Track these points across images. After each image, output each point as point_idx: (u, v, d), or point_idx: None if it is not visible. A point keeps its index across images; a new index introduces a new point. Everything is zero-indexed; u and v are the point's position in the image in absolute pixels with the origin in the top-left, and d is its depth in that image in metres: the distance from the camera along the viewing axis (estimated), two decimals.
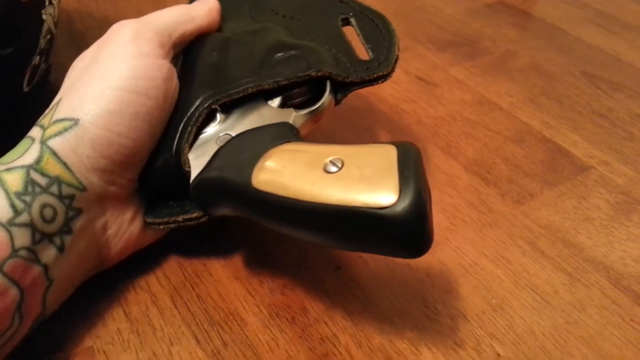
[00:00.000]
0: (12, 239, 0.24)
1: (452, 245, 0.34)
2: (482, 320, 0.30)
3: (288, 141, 0.28)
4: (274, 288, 0.31)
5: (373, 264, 0.33)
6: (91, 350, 0.28)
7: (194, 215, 0.30)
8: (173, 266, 0.32)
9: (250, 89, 0.31)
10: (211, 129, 0.31)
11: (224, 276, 0.32)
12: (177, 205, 0.31)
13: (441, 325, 0.29)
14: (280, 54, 0.33)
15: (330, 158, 0.25)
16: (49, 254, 0.26)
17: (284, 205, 0.25)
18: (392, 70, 0.33)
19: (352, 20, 0.36)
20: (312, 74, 0.31)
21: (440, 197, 0.37)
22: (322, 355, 0.28)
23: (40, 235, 0.25)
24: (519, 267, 0.32)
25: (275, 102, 0.32)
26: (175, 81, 0.31)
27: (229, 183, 0.27)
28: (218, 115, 0.31)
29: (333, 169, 0.24)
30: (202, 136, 0.30)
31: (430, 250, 0.32)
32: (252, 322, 0.30)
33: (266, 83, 0.31)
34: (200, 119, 0.30)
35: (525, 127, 0.43)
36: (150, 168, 0.30)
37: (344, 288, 0.31)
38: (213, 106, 0.31)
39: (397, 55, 0.33)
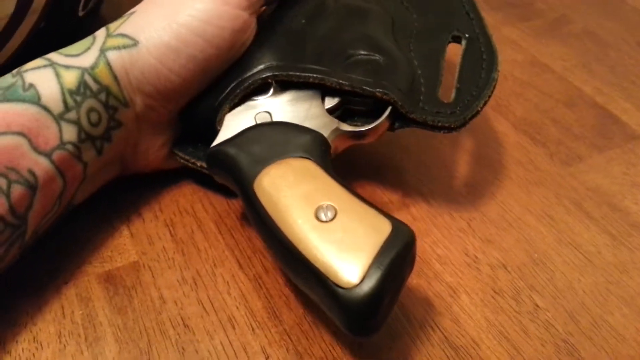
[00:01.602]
0: (61, 131, 0.26)
1: (497, 200, 0.33)
2: (523, 272, 0.30)
3: (309, 158, 0.27)
4: None
5: (415, 209, 0.33)
6: (137, 265, 0.29)
7: None
8: (218, 196, 0.33)
9: (312, 79, 0.30)
10: (259, 100, 0.30)
11: None
12: (202, 150, 0.31)
13: (481, 274, 0.29)
14: (363, 53, 0.31)
15: (327, 203, 0.24)
16: (89, 154, 0.27)
17: (266, 224, 0.25)
18: (461, 126, 0.29)
19: (463, 43, 0.32)
20: (378, 94, 0.29)
21: (488, 153, 0.36)
22: None
23: (85, 135, 0.27)
24: (563, 226, 0.32)
25: (333, 101, 0.30)
26: (247, 35, 0.30)
27: (238, 169, 0.27)
28: (272, 89, 0.30)
29: (323, 217, 0.24)
30: (247, 102, 0.30)
31: (473, 202, 0.32)
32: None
33: (330, 81, 0.30)
34: (252, 87, 0.30)
35: (577, 92, 0.42)
36: (192, 108, 0.31)
37: None
38: (269, 80, 0.30)
39: (478, 111, 0.29)
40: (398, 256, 0.23)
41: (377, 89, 0.29)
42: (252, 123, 0.29)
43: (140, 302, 0.27)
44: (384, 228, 0.24)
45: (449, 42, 0.33)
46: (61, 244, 0.30)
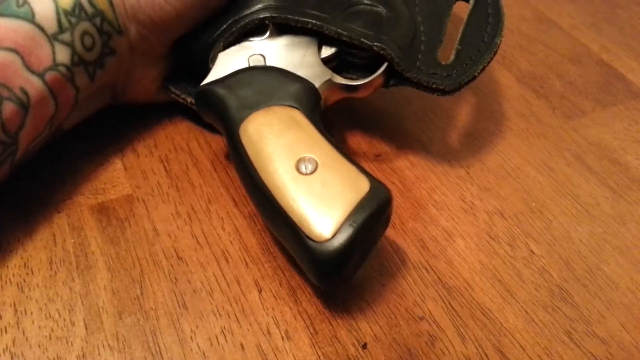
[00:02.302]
0: (54, 52, 0.25)
1: (496, 150, 0.33)
2: (519, 219, 0.29)
3: (297, 108, 0.26)
4: None
5: (413, 156, 0.32)
6: (130, 198, 0.29)
7: None
8: (214, 134, 0.32)
9: (310, 25, 0.29)
10: (254, 41, 0.29)
11: None
12: (194, 87, 0.30)
13: (477, 220, 0.29)
14: (366, 3, 0.30)
15: (309, 156, 0.24)
16: (82, 79, 0.27)
17: (247, 170, 0.25)
18: (455, 90, 0.29)
19: (471, 2, 0.31)
20: (375, 48, 0.28)
21: (490, 104, 0.36)
22: None
23: (78, 59, 0.26)
24: (563, 177, 0.32)
25: (330, 51, 0.29)
26: None
27: (225, 111, 0.26)
28: (268, 31, 0.29)
29: (303, 169, 0.24)
30: (243, 42, 0.29)
31: (473, 151, 0.32)
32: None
33: (328, 29, 0.29)
34: (249, 27, 0.29)
35: (584, 49, 0.41)
36: (186, 42, 0.30)
37: (382, 174, 0.31)
38: (267, 22, 0.29)
39: (475, 77, 0.29)
40: (372, 215, 0.23)
41: (375, 43, 0.28)
42: (245, 65, 0.28)
43: (133, 234, 0.27)
44: (362, 186, 0.24)
45: (456, 0, 0.32)
46: (53, 174, 0.29)
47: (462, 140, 0.33)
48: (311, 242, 0.23)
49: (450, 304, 0.26)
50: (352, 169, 0.24)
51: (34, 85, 0.24)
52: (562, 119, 0.35)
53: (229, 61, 0.29)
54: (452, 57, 0.29)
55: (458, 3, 0.32)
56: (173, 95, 0.31)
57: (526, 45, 0.41)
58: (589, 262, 0.28)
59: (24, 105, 0.24)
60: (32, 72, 0.24)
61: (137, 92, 0.31)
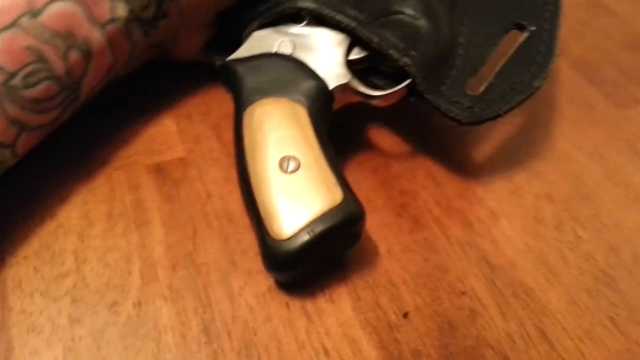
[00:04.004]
0: (113, 7, 0.26)
1: (547, 134, 0.33)
2: (568, 204, 0.29)
3: (304, 105, 0.26)
4: (360, 139, 0.32)
5: (462, 134, 0.32)
6: (184, 160, 0.30)
7: None
8: None
9: (344, 25, 0.28)
10: (289, 27, 0.29)
11: None
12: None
13: (524, 201, 0.29)
14: (408, 13, 0.29)
15: (294, 155, 0.25)
16: (137, 35, 0.28)
17: (239, 152, 0.26)
18: (472, 124, 0.27)
19: (524, 35, 0.29)
20: (400, 63, 0.27)
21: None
22: (400, 204, 0.29)
23: (134, 16, 0.27)
24: (614, 165, 0.31)
25: (361, 53, 0.29)
26: None
27: (239, 91, 0.27)
28: (305, 21, 0.29)
29: (285, 167, 0.24)
30: (278, 26, 0.29)
31: (521, 133, 0.32)
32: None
33: (361, 32, 0.28)
34: (285, 12, 0.29)
35: (639, 37, 0.40)
36: (229, 15, 0.31)
37: (429, 151, 0.31)
38: (303, 13, 0.29)
39: (498, 115, 0.27)
40: (333, 228, 0.23)
41: (403, 58, 0.27)
42: (273, 49, 0.29)
43: (187, 194, 0.28)
44: (335, 198, 0.24)
45: (511, 29, 0.30)
46: (112, 134, 0.30)
47: (511, 122, 0.33)
48: (268, 238, 0.23)
49: (493, 281, 0.26)
50: (331, 178, 0.25)
51: (95, 36, 0.26)
52: (615, 107, 0.34)
53: (259, 41, 0.29)
54: (481, 88, 0.28)
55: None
56: (211, 59, 0.32)
57: (580, 30, 0.40)
58: (636, 250, 0.27)
59: (87, 55, 0.26)
60: (94, 23, 0.26)
61: (183, 51, 0.32)
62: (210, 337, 0.23)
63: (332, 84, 0.27)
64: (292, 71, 0.27)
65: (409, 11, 0.29)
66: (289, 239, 0.23)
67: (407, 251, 0.27)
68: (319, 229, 0.23)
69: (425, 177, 0.30)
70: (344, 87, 0.28)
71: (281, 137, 0.25)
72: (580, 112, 0.34)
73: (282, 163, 0.24)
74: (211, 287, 0.25)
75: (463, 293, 0.26)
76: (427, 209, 0.29)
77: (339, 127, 0.31)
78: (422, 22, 0.29)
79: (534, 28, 0.30)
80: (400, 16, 0.29)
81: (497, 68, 0.29)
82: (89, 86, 0.27)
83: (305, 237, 0.23)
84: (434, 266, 0.26)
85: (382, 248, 0.27)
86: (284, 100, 0.26)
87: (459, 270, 0.26)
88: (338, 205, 0.24)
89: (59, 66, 0.25)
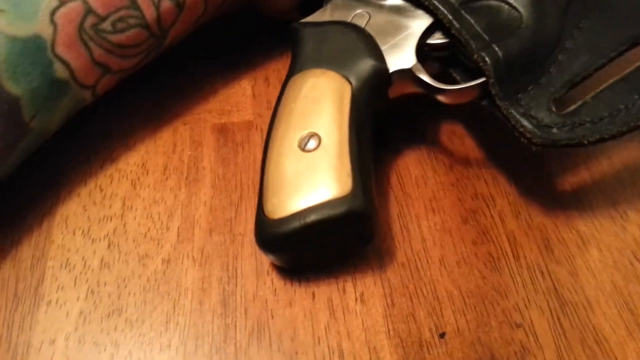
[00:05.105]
0: None
1: None
2: None
3: (351, 85, 0.24)
4: (443, 130, 0.28)
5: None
6: (251, 124, 0.29)
7: None
8: None
9: (427, 3, 0.25)
10: None
11: None
12: None
13: (626, 233, 0.24)
14: (508, 1, 0.24)
15: (318, 134, 0.22)
16: None
17: (273, 115, 0.24)
18: (542, 147, 0.23)
19: None
20: (476, 57, 0.23)
21: None
22: (469, 209, 0.25)
23: None
24: None
25: (441, 39, 0.25)
26: None
27: (296, 56, 0.26)
28: None
29: (304, 144, 0.22)
30: None
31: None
32: (406, 153, 0.27)
33: (442, 14, 0.24)
34: None
35: None
36: None
37: (519, 154, 0.27)
38: None
39: (581, 143, 0.22)
40: (328, 221, 0.21)
41: (480, 52, 0.23)
42: (348, 19, 0.26)
43: (244, 159, 0.27)
44: (343, 189, 0.21)
45: (635, 45, 0.24)
46: (187, 89, 0.30)
47: (626, 138, 0.27)
48: (261, 212, 0.22)
49: (559, 319, 0.22)
50: (347, 166, 0.22)
51: None
52: None
53: (338, 8, 0.27)
54: (571, 107, 0.23)
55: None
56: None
57: None
58: None
59: (180, 5, 0.26)
60: None
61: (275, 4, 0.31)
62: (227, 310, 0.22)
63: (393, 66, 0.24)
64: (355, 45, 0.25)
65: (506, 6, 0.25)
66: (278, 220, 0.21)
67: (464, 264, 0.23)
68: (310, 218, 0.21)
69: (508, 183, 0.26)
70: (405, 73, 0.25)
71: (313, 112, 0.23)
72: None
73: (303, 139, 0.22)
74: (241, 259, 0.24)
75: (518, 325, 0.22)
76: (500, 219, 0.25)
77: (418, 114, 0.28)
78: (521, 14, 0.24)
79: None
80: (496, 2, 0.25)
81: (601, 86, 0.23)
82: (175, 34, 0.27)
83: (294, 224, 0.21)
84: (492, 287, 0.23)
85: (434, 255, 0.24)
86: (333, 74, 0.24)
87: (520, 298, 0.22)
88: (343, 197, 0.21)
89: (150, 14, 0.25)
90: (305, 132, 0.23)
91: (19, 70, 0.23)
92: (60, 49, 0.24)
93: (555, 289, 0.23)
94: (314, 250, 0.23)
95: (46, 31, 0.24)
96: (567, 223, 0.25)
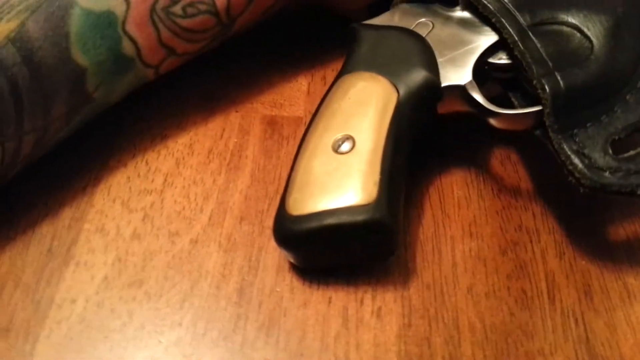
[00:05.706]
0: None
1: None
2: None
3: (398, 94, 0.23)
4: (497, 154, 0.27)
5: None
6: (299, 120, 0.29)
7: None
8: None
9: (493, 18, 0.24)
10: (438, 8, 0.26)
11: None
12: None
13: None
14: (585, 31, 0.23)
15: (353, 139, 0.22)
16: None
17: (312, 117, 0.24)
18: (591, 189, 0.21)
19: None
20: (535, 82, 0.22)
21: None
22: (510, 241, 0.24)
23: None
24: None
25: (503, 58, 0.24)
26: None
27: (348, 57, 0.26)
28: (458, 6, 0.26)
29: (337, 145, 0.22)
30: (429, 5, 0.26)
31: None
32: (452, 171, 0.26)
33: (506, 32, 0.23)
34: None
35: None
36: None
37: (575, 190, 0.25)
38: None
39: (633, 193, 0.21)
40: (346, 228, 0.21)
41: (541, 78, 0.22)
42: (411, 26, 0.26)
43: (286, 154, 0.27)
44: (367, 197, 0.21)
45: None
46: (245, 77, 0.31)
47: None
48: (281, 207, 0.22)
49: None
50: (376, 175, 0.21)
51: None
52: None
53: (402, 13, 0.27)
54: (631, 152, 0.22)
55: None
56: None
57: None
58: None
59: None
60: None
61: (343, 5, 0.31)
62: (241, 300, 0.22)
63: (446, 80, 0.24)
64: (410, 53, 0.24)
65: (587, 31, 0.23)
66: (297, 217, 0.21)
67: (493, 297, 0.22)
68: (328, 221, 0.21)
69: (557, 220, 0.24)
70: (458, 90, 0.24)
71: (353, 115, 0.23)
72: None
73: (338, 141, 0.22)
74: (266, 252, 0.24)
75: None
76: (542, 256, 0.23)
77: (472, 132, 0.27)
78: (593, 44, 0.23)
79: None
80: (569, 29, 0.23)
81: None
82: (242, 24, 0.28)
83: (310, 224, 0.21)
84: (519, 326, 0.21)
85: (463, 281, 0.23)
86: (382, 80, 0.23)
87: (547, 342, 0.21)
88: (365, 205, 0.21)
89: (221, 2, 0.26)
90: (341, 134, 0.22)
91: (89, 43, 0.24)
92: (130, 27, 0.25)
93: (587, 339, 0.21)
94: (329, 254, 0.22)
95: (120, 8, 0.25)
96: (615, 272, 0.23)
